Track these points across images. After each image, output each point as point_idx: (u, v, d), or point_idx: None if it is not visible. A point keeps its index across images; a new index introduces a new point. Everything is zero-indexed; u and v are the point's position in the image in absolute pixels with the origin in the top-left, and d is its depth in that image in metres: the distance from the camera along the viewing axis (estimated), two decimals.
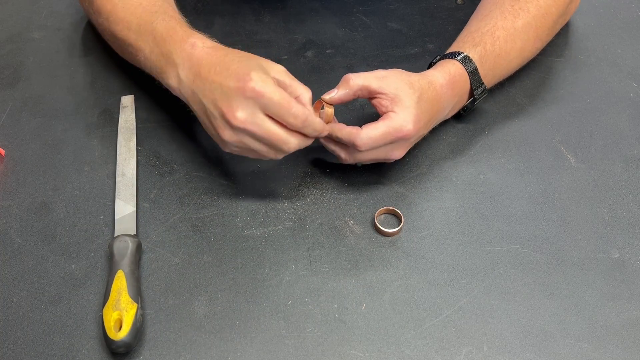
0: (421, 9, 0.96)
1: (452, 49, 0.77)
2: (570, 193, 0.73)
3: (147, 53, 0.72)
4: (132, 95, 0.82)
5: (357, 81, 0.68)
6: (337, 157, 0.71)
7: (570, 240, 0.69)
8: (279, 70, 0.67)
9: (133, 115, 0.80)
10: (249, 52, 0.88)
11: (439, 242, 0.69)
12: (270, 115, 0.64)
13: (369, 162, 0.71)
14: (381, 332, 0.63)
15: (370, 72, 0.69)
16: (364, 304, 0.65)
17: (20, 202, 0.72)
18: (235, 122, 0.63)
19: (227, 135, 0.65)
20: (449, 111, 0.75)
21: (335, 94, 0.69)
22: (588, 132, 0.80)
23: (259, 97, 0.62)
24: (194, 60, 0.67)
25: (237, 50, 0.68)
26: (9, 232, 0.70)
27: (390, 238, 0.69)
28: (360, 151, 0.68)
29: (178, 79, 0.69)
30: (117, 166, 0.75)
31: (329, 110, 0.68)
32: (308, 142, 0.67)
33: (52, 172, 0.75)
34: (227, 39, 0.90)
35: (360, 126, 0.67)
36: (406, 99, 0.67)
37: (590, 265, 0.67)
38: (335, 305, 0.64)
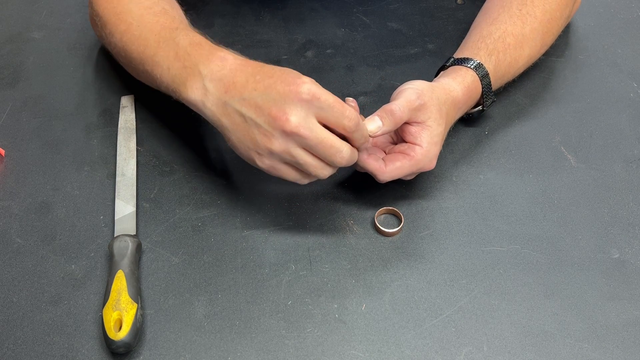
0: (421, 9, 0.96)
1: (466, 53, 0.76)
2: (570, 193, 0.74)
3: (165, 68, 0.69)
4: (132, 95, 0.82)
5: (404, 116, 0.66)
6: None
7: (570, 240, 0.69)
8: (315, 84, 0.63)
9: (133, 115, 0.80)
10: (249, 52, 0.89)
11: (439, 242, 0.69)
12: (322, 121, 0.61)
13: None
14: (381, 332, 0.63)
15: (406, 99, 0.66)
16: (364, 304, 0.65)
17: (20, 202, 0.72)
18: (288, 127, 0.59)
19: (275, 144, 0.61)
20: (460, 115, 0.76)
21: (380, 129, 0.65)
22: (588, 132, 0.80)
23: (314, 99, 0.59)
24: (226, 71, 0.64)
25: (270, 65, 0.65)
26: (9, 232, 0.70)
27: (390, 238, 0.69)
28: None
29: (203, 90, 0.65)
30: (117, 166, 0.75)
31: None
32: (356, 156, 0.64)
33: (52, 172, 0.75)
34: (227, 39, 0.91)
35: None
36: (435, 133, 0.67)
37: (590, 265, 0.67)
38: (335, 305, 0.64)
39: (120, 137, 0.78)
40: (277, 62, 0.88)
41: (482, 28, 0.79)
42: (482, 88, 0.75)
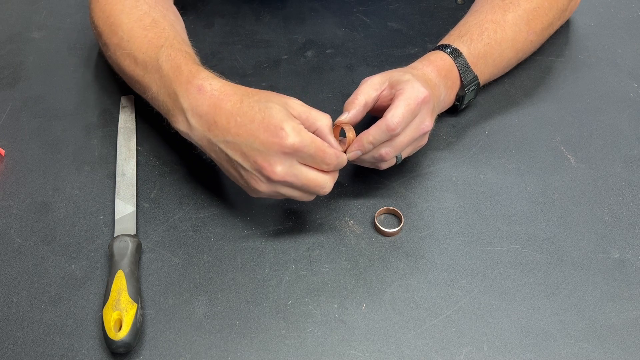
0: (421, 9, 0.96)
1: (439, 44, 0.78)
2: (570, 193, 0.73)
3: (155, 92, 0.70)
4: (132, 95, 0.82)
5: (360, 98, 0.68)
6: (380, 160, 0.68)
7: (570, 240, 0.69)
8: (295, 106, 0.64)
9: (133, 115, 0.80)
10: (249, 52, 0.89)
11: (439, 242, 0.69)
12: (304, 163, 0.63)
13: (409, 149, 0.69)
14: (381, 332, 0.63)
15: (359, 88, 0.69)
16: (364, 304, 0.65)
17: (20, 202, 0.72)
18: (274, 177, 0.62)
19: (262, 187, 0.63)
20: (444, 95, 0.74)
21: (349, 114, 0.67)
22: (588, 132, 0.80)
23: (297, 152, 0.61)
24: (205, 107, 0.65)
25: (248, 91, 0.65)
26: (9, 232, 0.70)
27: (390, 238, 0.69)
28: (397, 135, 0.66)
29: (187, 124, 0.66)
30: (117, 166, 0.75)
31: (351, 134, 0.66)
32: (336, 177, 0.66)
33: (52, 172, 0.75)
34: (227, 39, 0.91)
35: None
36: (402, 77, 0.68)
37: (590, 265, 0.67)
38: (335, 305, 0.64)
39: (120, 137, 0.78)
40: (277, 62, 0.88)
41: (461, 21, 0.81)
42: (455, 63, 0.75)
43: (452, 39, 0.77)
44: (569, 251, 0.68)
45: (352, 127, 0.67)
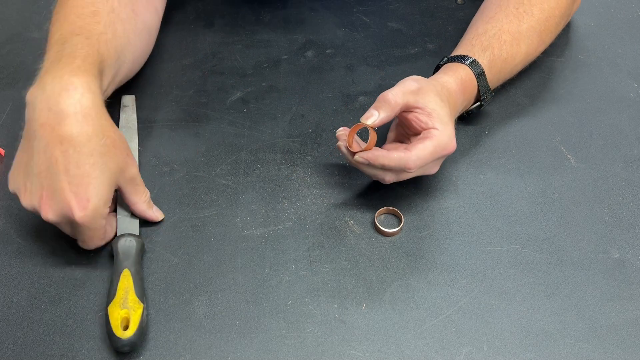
0: (421, 9, 0.96)
1: (461, 51, 0.77)
2: (570, 193, 0.74)
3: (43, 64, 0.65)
4: (133, 95, 0.82)
5: (399, 100, 0.65)
6: (379, 179, 0.68)
7: (570, 240, 0.69)
8: (132, 175, 0.66)
9: (134, 115, 0.80)
10: (248, 52, 0.89)
11: (439, 242, 0.69)
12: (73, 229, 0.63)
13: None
14: (381, 332, 0.63)
15: (402, 86, 0.67)
16: (364, 304, 0.65)
17: (20, 202, 0.72)
18: (42, 213, 0.61)
19: (26, 201, 0.62)
20: (458, 114, 0.75)
21: (377, 118, 0.65)
22: (588, 132, 0.80)
23: (81, 224, 0.61)
24: (60, 108, 0.60)
25: (105, 131, 0.62)
26: (9, 232, 0.70)
27: (390, 238, 0.69)
28: (410, 172, 0.66)
29: (33, 103, 0.61)
30: None
31: (373, 137, 0.66)
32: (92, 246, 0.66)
33: None
34: (227, 39, 0.91)
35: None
36: (443, 114, 0.66)
37: (590, 265, 0.67)
38: (335, 305, 0.64)
39: None
40: (277, 62, 0.88)
41: (477, 26, 0.80)
42: (478, 83, 0.74)
43: (475, 50, 0.76)
44: (569, 251, 0.69)
45: (374, 130, 0.66)
